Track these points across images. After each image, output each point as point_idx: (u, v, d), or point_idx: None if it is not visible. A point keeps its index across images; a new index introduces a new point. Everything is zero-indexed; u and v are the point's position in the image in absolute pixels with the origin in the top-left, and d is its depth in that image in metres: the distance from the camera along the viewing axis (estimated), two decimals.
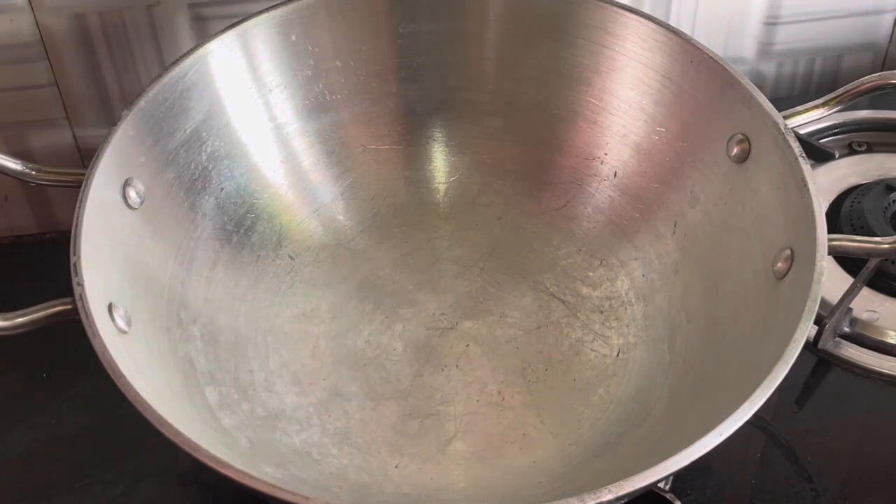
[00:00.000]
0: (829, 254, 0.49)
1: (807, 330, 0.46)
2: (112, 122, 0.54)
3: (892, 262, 0.64)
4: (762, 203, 0.55)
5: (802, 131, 0.55)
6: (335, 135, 0.64)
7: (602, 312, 0.61)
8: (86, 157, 0.69)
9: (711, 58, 0.57)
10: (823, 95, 0.57)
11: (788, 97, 0.78)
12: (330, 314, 0.61)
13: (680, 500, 0.52)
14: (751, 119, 0.56)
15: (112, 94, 0.68)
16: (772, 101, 0.55)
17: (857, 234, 0.58)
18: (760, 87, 0.57)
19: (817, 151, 0.57)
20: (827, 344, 0.61)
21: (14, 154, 0.54)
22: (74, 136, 0.69)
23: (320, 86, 0.63)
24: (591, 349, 0.59)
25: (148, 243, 0.55)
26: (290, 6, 0.60)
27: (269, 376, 0.58)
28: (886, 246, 0.51)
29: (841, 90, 0.57)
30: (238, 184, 0.61)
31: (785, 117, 0.55)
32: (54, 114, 0.68)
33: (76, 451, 0.57)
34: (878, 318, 0.62)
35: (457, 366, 0.59)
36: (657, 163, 0.61)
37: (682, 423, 0.51)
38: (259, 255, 0.62)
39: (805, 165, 0.52)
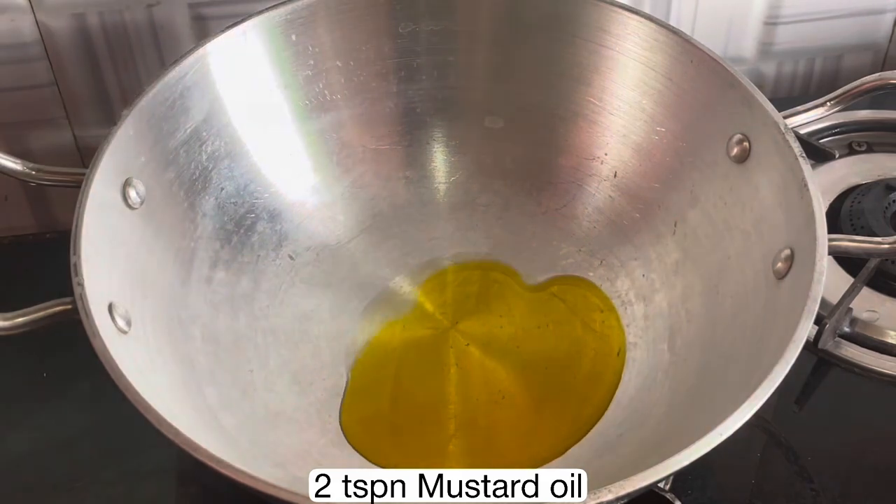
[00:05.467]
0: (829, 254, 0.49)
1: (807, 330, 0.46)
2: (112, 122, 0.54)
3: (892, 262, 0.64)
4: (762, 203, 0.55)
5: (802, 131, 0.55)
6: (335, 135, 0.64)
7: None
8: (86, 157, 0.69)
9: (711, 58, 0.57)
10: (823, 95, 0.57)
11: (788, 97, 0.78)
12: (330, 314, 0.61)
13: (680, 500, 0.52)
14: (751, 119, 0.55)
15: (112, 94, 0.68)
16: (772, 101, 0.55)
17: (857, 234, 0.58)
18: (760, 87, 0.57)
19: (817, 151, 0.57)
20: (827, 344, 0.61)
21: (14, 154, 0.53)
22: (74, 136, 0.69)
23: (320, 86, 0.63)
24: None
25: (148, 243, 0.55)
26: (290, 6, 0.60)
27: (269, 376, 0.57)
28: (886, 246, 0.51)
29: (841, 90, 0.57)
30: (238, 184, 0.61)
31: (785, 117, 0.55)
32: (54, 114, 0.68)
33: (76, 451, 0.57)
34: (878, 318, 0.62)
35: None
36: (657, 163, 0.61)
37: (682, 423, 0.51)
38: (259, 255, 0.61)
39: (805, 165, 0.52)
